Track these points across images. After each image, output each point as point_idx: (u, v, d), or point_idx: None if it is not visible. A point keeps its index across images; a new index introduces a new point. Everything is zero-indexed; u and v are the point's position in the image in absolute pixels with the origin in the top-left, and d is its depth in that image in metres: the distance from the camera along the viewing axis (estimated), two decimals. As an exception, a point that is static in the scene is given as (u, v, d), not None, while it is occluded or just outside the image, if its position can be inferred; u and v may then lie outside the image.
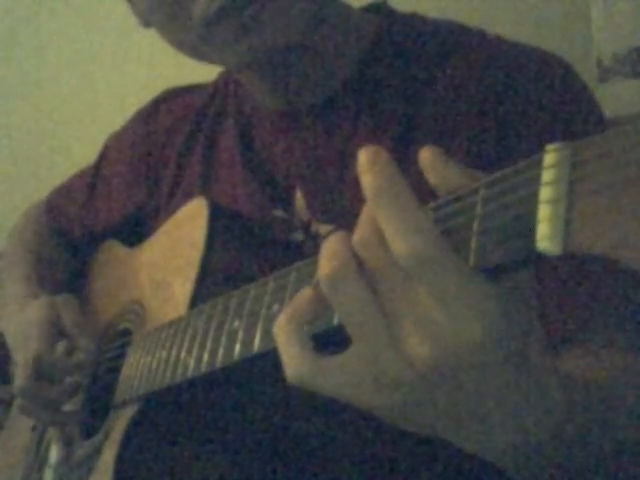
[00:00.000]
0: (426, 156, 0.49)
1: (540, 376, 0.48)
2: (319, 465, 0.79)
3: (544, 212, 0.41)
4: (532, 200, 0.42)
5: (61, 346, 0.94)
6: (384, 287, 0.46)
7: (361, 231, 0.48)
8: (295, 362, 0.50)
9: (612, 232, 0.38)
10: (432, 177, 0.49)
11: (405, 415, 0.49)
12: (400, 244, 0.45)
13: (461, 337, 0.44)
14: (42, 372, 0.92)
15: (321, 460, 0.79)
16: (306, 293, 0.51)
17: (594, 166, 0.40)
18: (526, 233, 0.42)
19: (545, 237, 0.41)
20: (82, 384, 0.94)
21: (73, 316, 0.96)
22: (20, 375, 0.92)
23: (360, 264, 0.47)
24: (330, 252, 0.48)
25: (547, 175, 0.42)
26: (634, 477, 0.57)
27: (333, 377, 0.49)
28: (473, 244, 0.45)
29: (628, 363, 0.62)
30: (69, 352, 0.94)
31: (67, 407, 0.95)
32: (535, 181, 0.42)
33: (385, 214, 0.46)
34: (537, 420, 0.49)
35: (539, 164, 0.42)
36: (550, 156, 0.42)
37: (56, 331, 0.95)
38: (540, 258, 0.42)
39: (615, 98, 1.30)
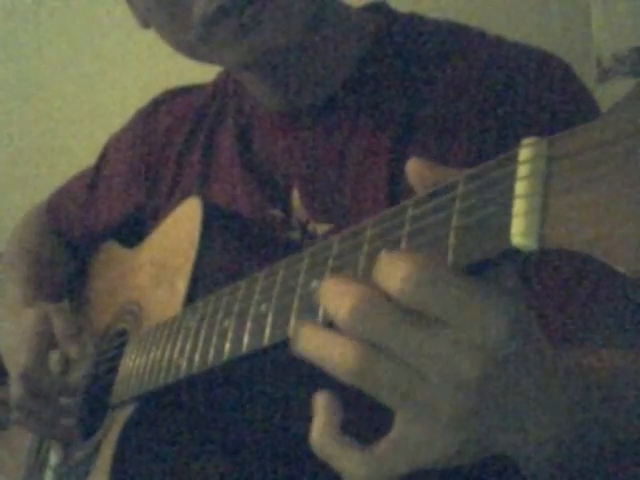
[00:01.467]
0: (413, 167, 0.49)
1: (539, 376, 0.48)
2: (319, 465, 0.78)
3: (519, 207, 0.41)
4: (508, 195, 0.42)
5: (55, 357, 0.94)
6: (404, 347, 0.45)
7: (362, 307, 0.46)
8: (354, 468, 0.50)
9: (587, 227, 0.38)
10: (421, 187, 0.48)
11: (471, 449, 0.49)
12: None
13: (500, 341, 0.44)
14: (33, 388, 0.91)
15: (321, 460, 0.79)
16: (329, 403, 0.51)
17: (570, 161, 0.39)
18: (502, 228, 0.42)
19: (520, 232, 0.41)
20: (76, 402, 0.94)
21: (63, 325, 0.95)
22: (13, 389, 0.92)
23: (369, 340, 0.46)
24: (342, 344, 0.47)
25: (522, 170, 0.41)
26: (634, 477, 0.57)
27: (398, 456, 0.49)
28: (451, 240, 0.44)
29: (628, 363, 0.62)
30: (62, 363, 0.94)
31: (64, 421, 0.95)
32: (511, 176, 0.42)
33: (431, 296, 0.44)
34: (537, 420, 0.49)
35: (515, 158, 0.42)
36: (525, 151, 0.42)
37: (48, 343, 0.94)
38: (519, 255, 0.42)
39: (615, 98, 1.30)
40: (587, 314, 0.68)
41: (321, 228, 0.83)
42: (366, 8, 0.91)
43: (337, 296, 0.46)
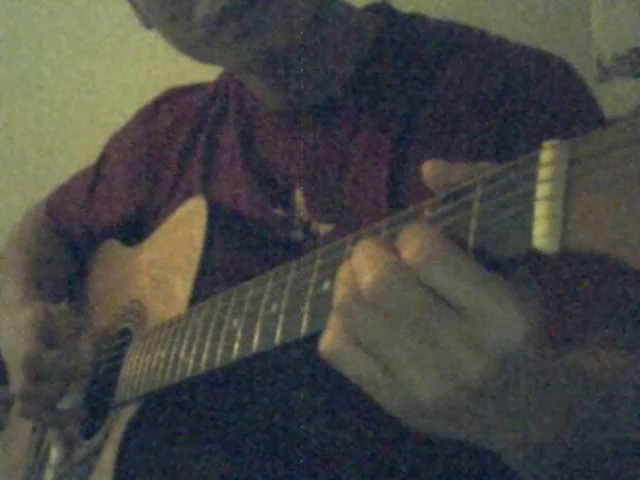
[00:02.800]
0: (429, 169, 0.49)
1: (540, 376, 0.48)
2: (319, 465, 0.79)
3: (541, 210, 0.41)
4: (529, 198, 0.42)
5: (55, 353, 0.93)
6: (415, 331, 0.45)
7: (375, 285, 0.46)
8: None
9: (610, 230, 0.38)
10: (437, 189, 0.48)
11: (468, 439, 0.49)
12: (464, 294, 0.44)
13: (506, 341, 0.44)
14: (33, 372, 0.91)
15: (321, 460, 0.79)
16: None
17: (591, 163, 0.40)
18: (523, 231, 0.42)
19: (542, 235, 0.41)
20: (78, 381, 0.94)
21: (67, 327, 0.95)
22: (16, 378, 0.92)
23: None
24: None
25: (544, 172, 0.42)
26: (634, 477, 0.57)
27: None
28: (470, 242, 0.45)
29: (628, 363, 0.62)
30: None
31: (66, 405, 0.95)
32: (532, 178, 0.42)
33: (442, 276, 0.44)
34: (537, 420, 0.49)
35: (536, 161, 0.42)
36: (547, 153, 0.42)
37: (47, 334, 0.94)
38: (539, 256, 0.42)
39: (615, 98, 1.30)
40: (587, 314, 0.68)
41: (323, 228, 0.83)
42: (367, 8, 0.91)
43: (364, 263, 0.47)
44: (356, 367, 0.47)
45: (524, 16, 1.39)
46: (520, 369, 0.46)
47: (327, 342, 0.48)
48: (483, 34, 0.85)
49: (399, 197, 0.79)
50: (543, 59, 0.80)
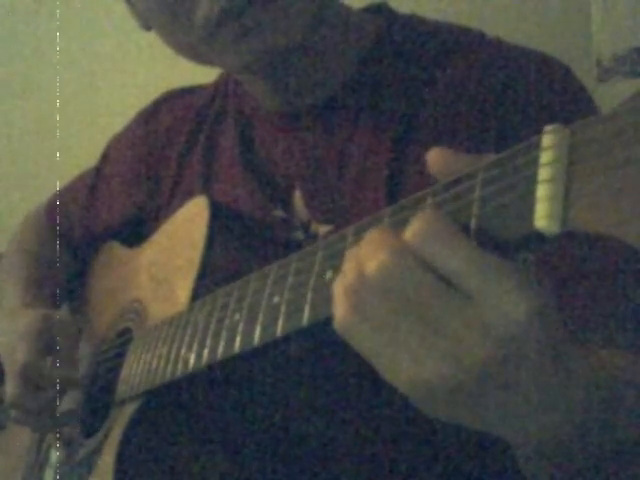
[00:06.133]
0: (434, 157, 0.49)
1: (539, 376, 0.48)
2: (319, 465, 0.79)
3: (542, 192, 0.42)
4: (531, 180, 0.43)
5: (50, 360, 0.93)
6: (412, 316, 0.46)
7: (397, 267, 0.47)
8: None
9: (610, 211, 0.39)
10: (441, 177, 0.49)
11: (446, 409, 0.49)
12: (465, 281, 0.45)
13: (510, 326, 0.44)
14: (30, 382, 0.91)
15: (321, 460, 0.79)
16: None
17: (592, 147, 0.40)
18: (525, 213, 0.42)
19: (544, 216, 0.41)
20: (77, 399, 0.94)
21: (67, 334, 0.95)
22: (10, 386, 0.92)
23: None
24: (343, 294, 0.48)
25: (545, 156, 0.42)
26: (634, 477, 0.57)
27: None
28: (473, 226, 0.45)
29: (628, 363, 0.62)
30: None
31: (64, 407, 0.95)
32: (534, 162, 0.43)
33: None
34: (537, 420, 0.49)
35: (537, 145, 0.43)
36: (548, 137, 0.43)
37: (45, 345, 0.94)
38: (541, 240, 0.42)
39: (615, 98, 1.30)
40: (587, 314, 0.68)
41: (322, 229, 0.84)
42: (366, 9, 0.91)
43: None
44: (367, 344, 0.48)
45: (524, 16, 1.39)
46: (526, 356, 0.46)
47: (339, 319, 0.49)
48: (482, 35, 0.86)
49: (398, 197, 0.79)
50: (541, 60, 0.81)
